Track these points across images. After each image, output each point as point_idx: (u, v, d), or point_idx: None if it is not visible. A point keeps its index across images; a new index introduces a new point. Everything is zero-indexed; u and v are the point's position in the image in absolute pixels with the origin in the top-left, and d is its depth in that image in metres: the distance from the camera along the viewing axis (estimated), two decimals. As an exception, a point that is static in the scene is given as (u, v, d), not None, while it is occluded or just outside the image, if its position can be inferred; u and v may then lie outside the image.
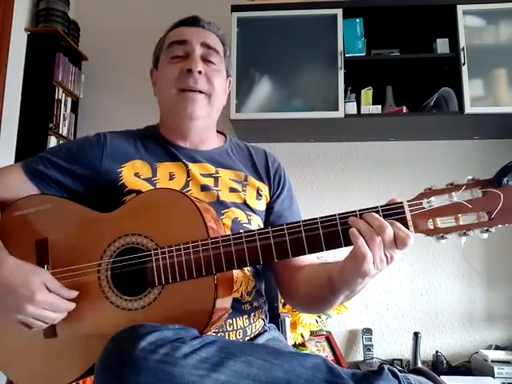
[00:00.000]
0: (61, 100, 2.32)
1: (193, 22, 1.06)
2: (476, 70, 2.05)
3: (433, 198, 0.74)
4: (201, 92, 1.00)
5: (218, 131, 1.14)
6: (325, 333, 2.16)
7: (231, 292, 0.85)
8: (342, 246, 0.75)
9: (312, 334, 2.09)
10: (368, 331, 2.22)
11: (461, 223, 0.72)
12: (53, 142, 2.24)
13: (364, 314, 2.32)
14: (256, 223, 1.01)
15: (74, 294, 0.84)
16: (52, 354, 0.85)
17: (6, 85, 2.09)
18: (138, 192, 0.93)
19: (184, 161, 1.01)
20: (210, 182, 1.00)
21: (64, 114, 2.35)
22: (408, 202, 0.74)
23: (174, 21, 1.09)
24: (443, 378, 0.88)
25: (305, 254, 0.76)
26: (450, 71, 2.11)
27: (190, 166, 1.00)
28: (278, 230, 0.77)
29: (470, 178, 0.73)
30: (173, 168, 1.00)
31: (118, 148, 1.01)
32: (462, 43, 2.05)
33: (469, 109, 2.01)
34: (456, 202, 0.72)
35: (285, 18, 2.17)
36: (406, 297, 2.32)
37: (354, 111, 2.12)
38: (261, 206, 1.05)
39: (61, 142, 2.32)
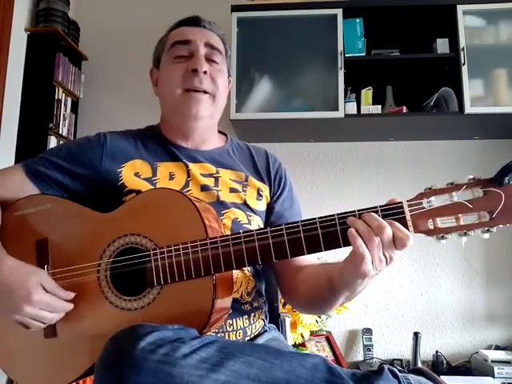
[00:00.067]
0: (61, 100, 2.32)
1: (194, 21, 1.06)
2: (476, 70, 2.05)
3: (433, 198, 0.73)
4: (205, 92, 1.00)
5: (219, 131, 1.14)
6: (325, 333, 2.16)
7: (231, 292, 0.85)
8: (340, 247, 0.75)
9: (312, 333, 2.09)
10: (368, 331, 2.22)
11: (461, 223, 0.72)
12: (53, 141, 2.24)
13: (364, 314, 2.32)
14: (256, 224, 1.01)
15: (71, 295, 0.84)
16: (52, 353, 0.85)
17: (6, 85, 2.09)
18: (138, 192, 0.93)
19: (184, 161, 1.01)
20: (210, 182, 1.00)
21: (64, 114, 2.35)
22: (408, 201, 0.73)
23: (174, 21, 1.09)
24: (443, 378, 0.88)
25: (303, 254, 0.76)
26: (450, 71, 2.11)
27: (191, 165, 1.00)
28: (277, 231, 0.77)
29: (471, 177, 0.72)
30: (173, 168, 1.00)
31: (118, 148, 1.01)
32: (462, 43, 2.05)
33: (469, 109, 2.01)
34: (456, 201, 0.72)
35: (285, 17, 2.17)
36: (405, 297, 2.32)
37: (354, 111, 2.12)
38: (261, 206, 1.05)
39: (61, 142, 2.32)
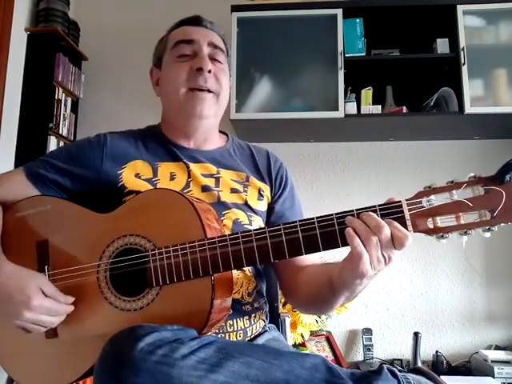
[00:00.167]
0: (61, 100, 2.32)
1: (196, 21, 1.05)
2: (476, 70, 2.04)
3: (433, 197, 0.72)
4: (209, 91, 1.00)
5: (220, 131, 1.13)
6: (325, 333, 2.16)
7: (230, 292, 0.84)
8: (339, 247, 0.74)
9: (312, 333, 2.08)
10: (368, 331, 2.22)
11: (462, 222, 0.70)
12: (53, 142, 2.24)
13: (364, 314, 2.32)
14: (257, 224, 1.01)
15: (71, 299, 0.84)
16: (53, 354, 0.86)
17: (6, 85, 2.09)
18: (138, 193, 0.93)
19: (185, 161, 1.00)
20: (211, 182, 1.00)
21: (64, 114, 2.35)
22: (407, 200, 0.72)
23: (174, 21, 1.08)
24: (443, 378, 0.88)
25: (302, 254, 0.75)
26: (450, 71, 2.11)
27: (191, 166, 1.00)
28: (275, 231, 0.76)
29: (472, 175, 0.70)
30: (174, 168, 1.00)
31: (119, 148, 1.01)
32: (462, 43, 2.05)
33: (469, 109, 2.00)
34: (457, 200, 0.70)
35: (285, 17, 2.17)
36: (406, 297, 2.32)
37: (354, 111, 2.12)
38: (262, 206, 1.04)
39: (61, 142, 2.32)
